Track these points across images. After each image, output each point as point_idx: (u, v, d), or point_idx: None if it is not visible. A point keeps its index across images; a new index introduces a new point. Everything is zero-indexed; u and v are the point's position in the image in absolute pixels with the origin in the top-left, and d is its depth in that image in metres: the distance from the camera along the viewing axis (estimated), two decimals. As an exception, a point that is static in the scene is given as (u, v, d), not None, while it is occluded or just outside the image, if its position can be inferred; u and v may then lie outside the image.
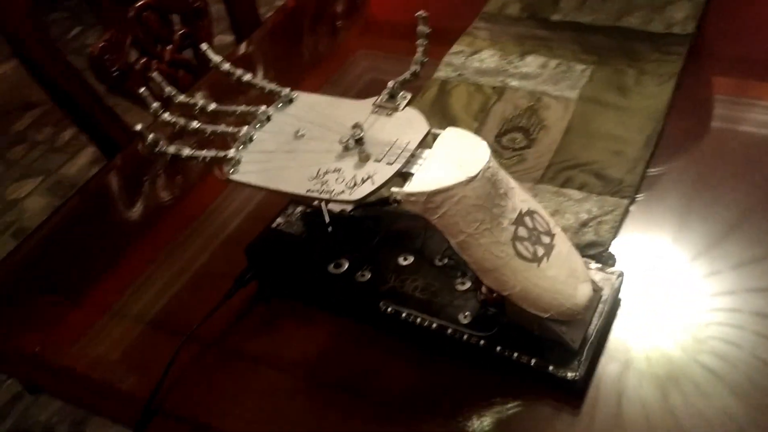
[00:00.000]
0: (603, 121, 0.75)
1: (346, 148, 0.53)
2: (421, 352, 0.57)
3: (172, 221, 0.76)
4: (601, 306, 0.55)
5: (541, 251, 0.51)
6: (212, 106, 0.59)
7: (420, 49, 0.58)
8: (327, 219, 0.63)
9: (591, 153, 0.71)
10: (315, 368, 0.58)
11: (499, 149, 0.73)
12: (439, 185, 0.48)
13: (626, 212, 0.65)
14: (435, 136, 0.53)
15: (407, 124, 0.55)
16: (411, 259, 0.61)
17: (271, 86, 0.60)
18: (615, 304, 0.57)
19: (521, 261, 0.50)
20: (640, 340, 0.56)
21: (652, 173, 0.68)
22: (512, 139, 0.75)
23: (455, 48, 0.89)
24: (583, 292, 0.52)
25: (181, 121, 0.57)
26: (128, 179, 0.84)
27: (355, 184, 0.50)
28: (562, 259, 0.52)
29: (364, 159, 0.52)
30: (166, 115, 0.57)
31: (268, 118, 0.58)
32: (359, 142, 0.53)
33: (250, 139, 0.56)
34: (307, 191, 0.51)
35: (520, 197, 0.52)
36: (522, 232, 0.51)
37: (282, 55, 1.01)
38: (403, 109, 0.56)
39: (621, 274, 0.57)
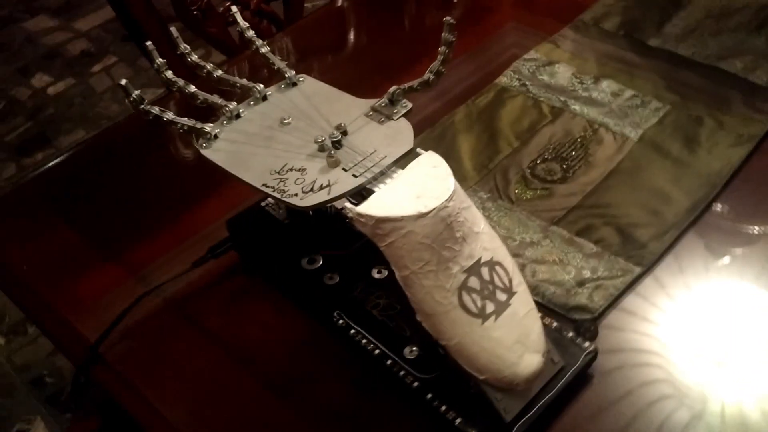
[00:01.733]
0: (654, 172, 0.67)
1: (321, 149, 0.50)
2: (364, 372, 0.54)
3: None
4: (556, 381, 0.50)
5: (490, 308, 0.46)
6: (218, 72, 0.58)
7: (440, 58, 0.53)
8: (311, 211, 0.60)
9: (626, 205, 0.64)
10: (260, 357, 0.57)
11: (528, 177, 0.67)
12: (388, 213, 0.45)
13: (634, 282, 0.57)
14: (416, 156, 0.49)
15: (393, 136, 0.51)
16: (385, 273, 0.58)
17: (281, 65, 0.57)
18: (578, 381, 0.51)
19: (464, 313, 0.46)
20: (594, 426, 0.50)
21: (681, 244, 0.60)
22: (548, 170, 0.68)
23: (530, 54, 0.82)
24: (529, 363, 0.47)
25: (180, 82, 0.56)
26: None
27: (311, 190, 0.48)
28: (514, 322, 0.47)
29: (332, 164, 0.49)
30: (169, 73, 0.56)
31: (265, 98, 0.56)
32: (336, 144, 0.50)
33: (237, 116, 0.54)
34: (262, 185, 0.48)
35: (484, 244, 0.47)
36: (473, 282, 0.46)
37: (428, 17, 0.97)
38: (397, 118, 0.52)
39: (594, 353, 0.51)
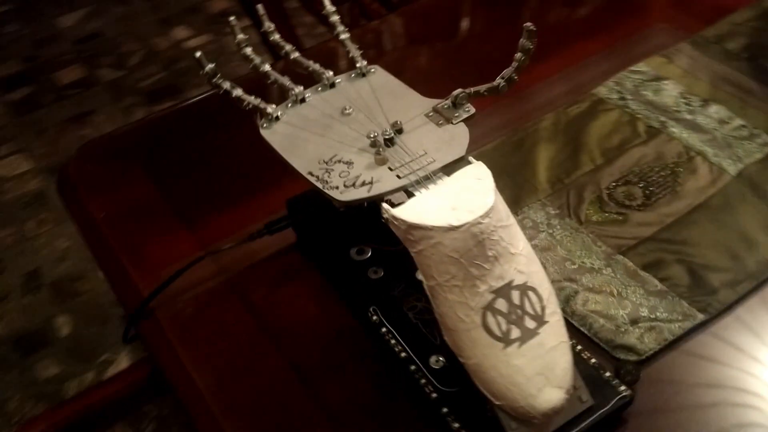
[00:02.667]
0: (746, 214, 0.61)
1: (373, 144, 0.49)
2: (387, 373, 0.54)
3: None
4: (580, 420, 0.47)
5: (515, 334, 0.44)
6: (295, 54, 0.58)
7: (514, 65, 0.51)
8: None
9: (705, 245, 0.59)
10: (293, 339, 0.58)
11: (605, 198, 0.63)
12: (420, 220, 0.43)
13: (693, 329, 0.53)
14: (465, 165, 0.48)
15: (448, 140, 0.49)
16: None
17: (355, 53, 0.57)
18: (607, 425, 0.48)
19: (485, 335, 0.44)
20: (614, 477, 0.47)
21: (755, 298, 0.55)
22: (628, 194, 0.64)
23: (638, 66, 0.77)
24: (548, 398, 0.44)
25: (257, 59, 0.56)
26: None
27: (353, 185, 0.47)
28: (539, 353, 0.44)
29: (379, 162, 0.48)
30: (248, 50, 0.57)
31: (333, 85, 0.55)
32: (388, 142, 0.49)
33: (302, 100, 0.54)
34: (308, 173, 0.48)
35: (519, 267, 0.45)
36: (501, 304, 0.44)
37: (553, 14, 0.95)
38: (457, 123, 0.51)
39: (629, 398, 0.48)
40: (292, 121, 0.53)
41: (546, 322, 0.45)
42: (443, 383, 0.50)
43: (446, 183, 0.46)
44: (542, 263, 0.55)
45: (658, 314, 0.54)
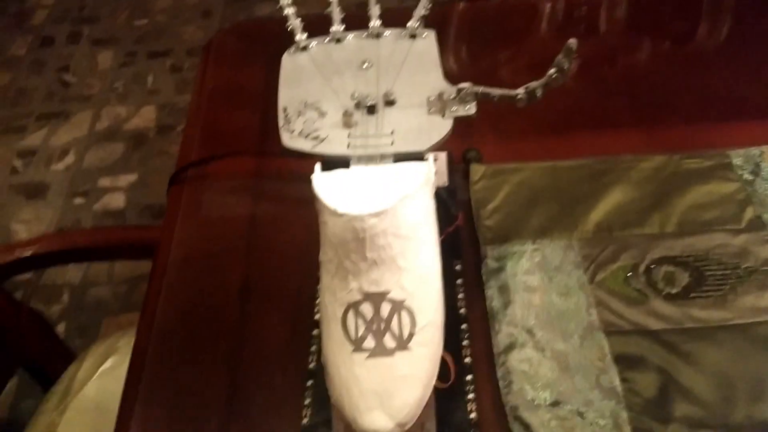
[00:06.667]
0: (787, 362, 0.48)
1: (356, 106, 0.48)
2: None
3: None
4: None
5: (369, 344, 0.42)
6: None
7: (542, 80, 0.45)
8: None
9: (705, 371, 0.48)
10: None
11: (639, 271, 0.54)
12: (322, 193, 0.42)
13: (610, 447, 0.45)
14: (419, 160, 0.44)
15: (424, 131, 0.46)
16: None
17: (418, 12, 0.53)
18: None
19: (340, 330, 0.42)
20: None
21: None
22: (670, 277, 0.54)
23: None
24: (374, 421, 0.41)
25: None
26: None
27: (306, 135, 0.47)
28: (385, 374, 0.41)
29: (345, 124, 0.47)
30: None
31: (378, 36, 0.53)
32: (369, 109, 0.47)
33: (338, 41, 0.53)
34: (283, 108, 0.49)
35: (404, 284, 0.41)
36: (366, 309, 0.42)
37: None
38: (446, 117, 0.46)
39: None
40: (316, 56, 0.53)
41: (407, 348, 0.42)
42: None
43: (385, 170, 0.44)
44: (508, 301, 0.51)
45: (586, 411, 0.46)
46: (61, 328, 1.29)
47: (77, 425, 0.71)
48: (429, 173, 0.43)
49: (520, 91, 0.46)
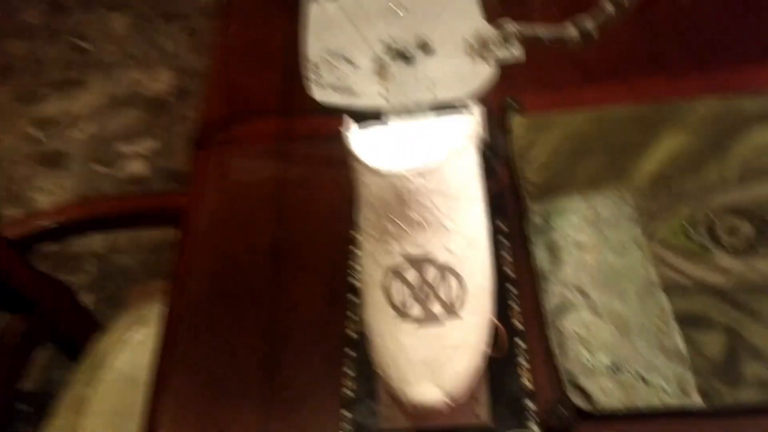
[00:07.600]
0: None
1: (391, 54, 0.44)
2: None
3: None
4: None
5: (416, 312, 0.39)
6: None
7: (598, 15, 0.41)
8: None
9: (780, 328, 0.45)
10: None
11: (699, 221, 0.50)
12: (359, 150, 0.38)
13: (676, 414, 0.42)
14: (460, 112, 0.40)
15: (465, 79, 0.42)
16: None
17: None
18: None
19: (384, 299, 0.39)
20: None
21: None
22: (733, 229, 0.50)
23: None
24: (423, 392, 0.39)
25: None
26: None
27: (339, 88, 0.43)
28: (434, 344, 0.39)
29: (381, 76, 0.43)
30: None
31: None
32: (406, 60, 0.43)
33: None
34: (311, 59, 0.45)
35: (450, 246, 0.38)
36: (411, 275, 0.38)
37: None
38: (491, 61, 0.42)
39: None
40: (344, 3, 0.49)
41: (457, 316, 0.39)
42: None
43: (425, 124, 0.40)
44: (558, 260, 0.48)
45: (649, 376, 0.43)
46: (89, 299, 1.28)
47: (107, 397, 0.70)
48: (475, 126, 0.39)
49: (571, 31, 0.41)
